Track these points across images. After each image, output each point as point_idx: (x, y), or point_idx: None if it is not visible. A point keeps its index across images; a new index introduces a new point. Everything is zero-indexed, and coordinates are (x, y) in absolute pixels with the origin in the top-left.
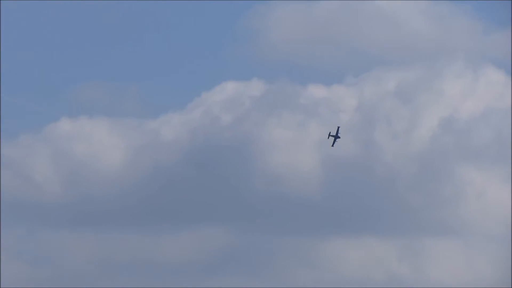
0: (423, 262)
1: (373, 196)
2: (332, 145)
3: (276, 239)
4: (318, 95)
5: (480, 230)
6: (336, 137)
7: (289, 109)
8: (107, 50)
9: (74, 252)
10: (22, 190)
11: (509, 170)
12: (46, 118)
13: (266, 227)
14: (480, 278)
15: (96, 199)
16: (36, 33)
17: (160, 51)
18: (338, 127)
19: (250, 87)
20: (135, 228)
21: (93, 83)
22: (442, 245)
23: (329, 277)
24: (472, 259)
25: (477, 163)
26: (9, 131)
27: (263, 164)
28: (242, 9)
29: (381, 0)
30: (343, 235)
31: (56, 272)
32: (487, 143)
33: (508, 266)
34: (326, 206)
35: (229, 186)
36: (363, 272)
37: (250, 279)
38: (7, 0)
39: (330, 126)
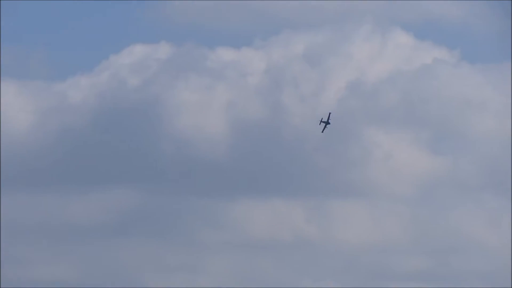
0: (330, 223)
1: (281, 158)
2: (322, 131)
3: (184, 200)
4: (226, 58)
5: (387, 191)
6: (327, 123)
7: (196, 72)
8: (14, 12)
9: None
10: None
11: (416, 133)
12: None
13: (174, 189)
14: (387, 239)
15: (3, 161)
16: None
17: (68, 14)
18: (330, 113)
19: (157, 50)
20: (43, 190)
21: (0, 46)
22: (349, 206)
23: (237, 237)
24: (379, 220)
25: (384, 125)
26: None
27: (171, 127)
28: None
29: None
30: (251, 196)
31: None
32: (395, 106)
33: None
34: (234, 168)
35: (137, 148)
36: (271, 233)
37: (159, 240)
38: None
39: (238, 89)
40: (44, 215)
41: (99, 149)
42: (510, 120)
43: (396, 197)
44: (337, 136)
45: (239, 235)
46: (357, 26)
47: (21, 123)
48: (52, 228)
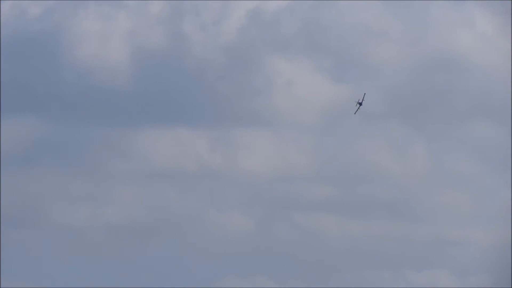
0: (235, 152)
1: (184, 87)
2: (355, 113)
3: (88, 130)
4: None
5: (292, 120)
6: (361, 104)
7: (97, 0)
8: None
9: None
10: None
11: (318, 61)
12: None
13: (78, 118)
14: (292, 168)
15: None
16: None
17: None
18: (364, 94)
19: None
20: None
21: None
22: (254, 135)
23: (143, 167)
24: (284, 149)
25: (286, 54)
26: None
27: (73, 56)
28: None
29: None
30: (155, 125)
31: None
32: (295, 34)
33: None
34: (138, 97)
35: (39, 78)
36: (175, 163)
37: (64, 170)
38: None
39: (139, 17)
40: None
41: (0, 78)
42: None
43: (300, 125)
44: (239, 65)
45: (144, 165)
46: None
47: None
48: None
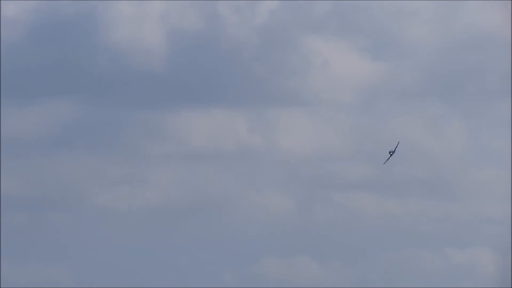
0: (273, 132)
1: (220, 69)
2: (384, 163)
3: (124, 113)
4: None
5: (328, 99)
6: (393, 153)
7: None
8: None
9: None
10: None
11: (353, 40)
12: None
13: (114, 101)
14: (329, 147)
15: None
16: None
17: None
18: (398, 143)
19: None
20: None
21: None
22: (291, 115)
23: (180, 149)
24: (320, 128)
25: (320, 34)
26: None
27: (108, 39)
28: None
29: None
30: (192, 107)
31: None
32: (328, 15)
33: None
34: (173, 79)
35: (74, 61)
36: (213, 144)
37: (101, 153)
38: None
39: None
40: None
41: (36, 62)
42: (444, 26)
43: (337, 104)
44: (274, 45)
45: (181, 147)
46: None
47: None
48: None
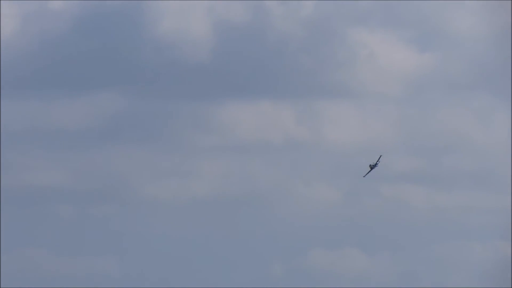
0: (320, 124)
1: (266, 61)
2: (364, 176)
3: (171, 104)
4: None
5: (376, 91)
6: (374, 166)
7: None
8: None
9: None
10: None
11: (400, 31)
12: None
13: (161, 93)
14: (377, 139)
15: None
16: None
17: None
18: (380, 156)
19: None
20: (28, 96)
21: None
22: (338, 107)
23: (228, 141)
24: (367, 120)
25: (366, 25)
26: None
27: (154, 31)
28: None
29: None
30: (239, 99)
31: None
32: (374, 6)
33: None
34: (221, 71)
35: (122, 53)
36: (260, 135)
37: (150, 145)
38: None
39: None
40: (32, 121)
41: (83, 54)
42: (490, 18)
43: (384, 96)
44: (320, 37)
45: (229, 139)
46: None
47: (2, 29)
48: (41, 134)
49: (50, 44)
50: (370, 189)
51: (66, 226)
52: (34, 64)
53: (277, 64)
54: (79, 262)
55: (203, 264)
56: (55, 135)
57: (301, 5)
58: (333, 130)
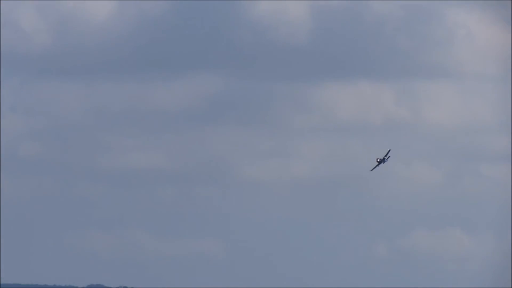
0: (419, 104)
1: (365, 41)
2: (371, 170)
3: (271, 86)
4: None
5: (474, 71)
6: (382, 161)
7: None
8: None
9: (68, 103)
10: (12, 41)
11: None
12: None
13: (260, 74)
14: (476, 118)
15: (87, 49)
16: None
17: None
18: (389, 150)
19: None
20: (128, 78)
21: None
22: (437, 87)
23: (327, 122)
24: (467, 100)
25: (463, 6)
26: None
27: (252, 13)
28: None
29: None
30: (338, 80)
31: (51, 123)
32: None
33: None
34: (318, 52)
35: (220, 35)
36: (361, 116)
37: (248, 126)
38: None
39: None
40: (130, 102)
41: (182, 36)
42: None
43: (483, 76)
44: (418, 18)
45: (328, 119)
46: None
47: (101, 11)
48: (139, 115)
49: (147, 27)
50: (471, 169)
51: (167, 207)
52: (132, 46)
53: (375, 45)
54: (181, 244)
55: (303, 244)
56: (154, 117)
57: None
58: (433, 110)
